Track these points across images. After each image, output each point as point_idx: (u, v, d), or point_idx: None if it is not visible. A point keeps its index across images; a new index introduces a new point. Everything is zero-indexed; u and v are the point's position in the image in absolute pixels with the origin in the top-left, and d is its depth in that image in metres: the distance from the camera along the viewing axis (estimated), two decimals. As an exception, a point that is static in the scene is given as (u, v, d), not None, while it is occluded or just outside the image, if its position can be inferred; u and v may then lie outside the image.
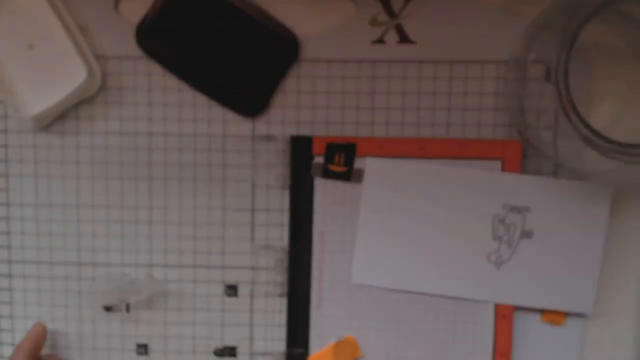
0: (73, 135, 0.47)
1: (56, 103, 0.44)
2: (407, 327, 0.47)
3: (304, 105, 0.46)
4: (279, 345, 0.48)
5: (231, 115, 0.46)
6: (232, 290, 0.48)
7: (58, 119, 0.47)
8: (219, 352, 0.48)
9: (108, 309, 0.48)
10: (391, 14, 0.45)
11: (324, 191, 0.46)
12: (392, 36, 0.45)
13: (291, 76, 0.46)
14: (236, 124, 0.47)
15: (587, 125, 0.36)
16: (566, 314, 0.46)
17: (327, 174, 0.46)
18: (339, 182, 0.46)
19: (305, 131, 0.46)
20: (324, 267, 0.47)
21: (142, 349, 0.48)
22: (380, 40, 0.45)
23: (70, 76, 0.44)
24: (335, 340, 0.47)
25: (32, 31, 0.45)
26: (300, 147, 0.46)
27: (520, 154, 0.45)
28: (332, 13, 0.46)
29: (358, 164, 0.46)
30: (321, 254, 0.47)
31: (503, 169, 0.45)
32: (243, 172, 0.47)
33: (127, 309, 0.48)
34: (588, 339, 0.47)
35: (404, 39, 0.45)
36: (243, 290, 0.48)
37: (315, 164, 0.46)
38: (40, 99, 0.45)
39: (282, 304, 0.47)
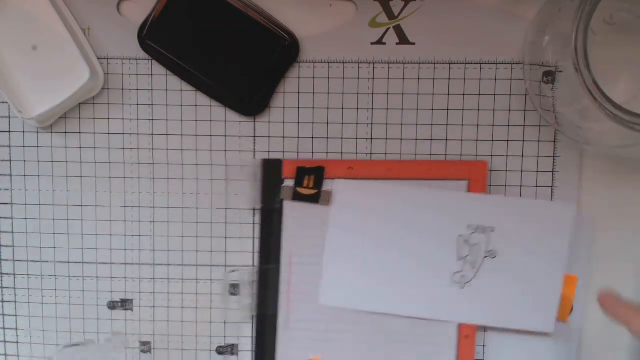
0: (76, 136, 0.48)
1: (59, 104, 0.45)
2: (373, 348, 0.47)
3: (303, 106, 0.47)
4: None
5: (232, 116, 0.47)
6: (234, 288, 0.48)
7: (61, 119, 0.47)
8: (221, 350, 0.49)
9: (111, 307, 0.49)
10: (391, 15, 0.46)
11: (293, 213, 0.46)
12: (391, 37, 0.46)
13: (291, 77, 0.47)
14: (238, 125, 0.47)
15: (612, 102, 0.36)
16: (571, 311, 0.46)
17: (297, 197, 0.46)
18: (308, 204, 0.46)
19: (306, 132, 0.47)
20: (292, 288, 0.47)
21: (146, 346, 0.49)
22: (379, 42, 0.46)
23: (73, 77, 0.45)
24: None
25: (35, 33, 0.45)
26: (270, 170, 0.46)
27: (485, 174, 0.45)
28: (331, 14, 0.46)
29: (327, 185, 0.46)
30: (289, 275, 0.47)
31: (469, 189, 0.45)
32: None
33: (131, 307, 0.48)
34: (585, 338, 0.47)
35: (403, 40, 0.46)
36: (244, 289, 0.48)
37: (285, 187, 0.46)
38: (44, 99, 0.45)
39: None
